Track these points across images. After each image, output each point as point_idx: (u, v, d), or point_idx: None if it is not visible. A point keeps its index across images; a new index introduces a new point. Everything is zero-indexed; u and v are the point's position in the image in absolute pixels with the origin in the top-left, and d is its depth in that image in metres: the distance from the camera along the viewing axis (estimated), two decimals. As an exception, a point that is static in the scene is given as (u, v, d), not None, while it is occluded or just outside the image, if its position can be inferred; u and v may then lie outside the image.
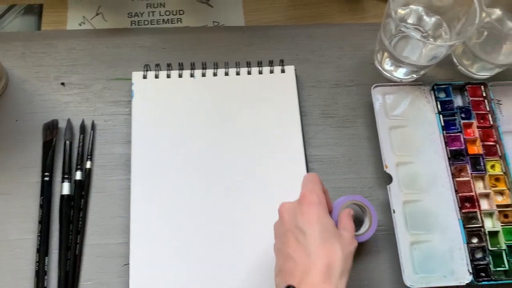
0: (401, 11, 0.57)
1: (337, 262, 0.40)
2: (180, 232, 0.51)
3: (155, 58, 0.60)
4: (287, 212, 0.44)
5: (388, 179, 0.54)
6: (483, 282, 0.50)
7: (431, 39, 0.57)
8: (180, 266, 0.49)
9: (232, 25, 0.63)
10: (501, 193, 0.55)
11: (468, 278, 0.50)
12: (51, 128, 0.55)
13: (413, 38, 0.52)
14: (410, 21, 0.58)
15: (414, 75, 0.59)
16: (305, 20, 0.64)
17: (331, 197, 0.48)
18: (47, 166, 0.53)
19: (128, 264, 0.49)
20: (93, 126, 0.56)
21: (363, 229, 0.50)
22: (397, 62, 0.56)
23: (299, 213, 0.43)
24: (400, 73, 0.59)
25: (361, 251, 0.53)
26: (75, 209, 0.52)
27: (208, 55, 0.60)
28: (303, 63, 0.61)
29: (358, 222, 0.51)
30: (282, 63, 0.59)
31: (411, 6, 0.57)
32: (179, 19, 0.64)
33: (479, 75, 0.61)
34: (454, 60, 0.62)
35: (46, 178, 0.53)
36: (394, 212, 0.52)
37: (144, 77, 0.57)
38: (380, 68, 0.60)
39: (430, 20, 0.58)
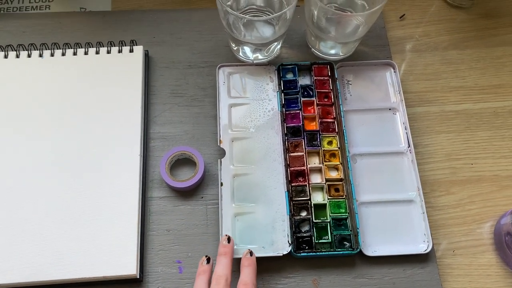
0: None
1: None
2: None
3: (14, 41, 0.61)
4: None
5: (223, 154, 0.55)
6: (302, 254, 0.50)
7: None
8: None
9: (97, 10, 0.65)
10: (336, 168, 0.55)
11: (287, 249, 0.50)
12: None
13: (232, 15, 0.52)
14: (258, 3, 0.60)
15: (259, 55, 0.60)
16: (172, 5, 0.66)
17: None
18: None
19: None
20: None
21: (191, 175, 0.53)
22: (235, 42, 0.58)
23: None
24: (243, 53, 0.60)
25: (190, 224, 0.53)
26: None
27: (66, 39, 0.62)
28: (159, 45, 0.63)
29: (189, 170, 0.55)
30: (133, 43, 0.60)
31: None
32: (48, 6, 0.66)
33: (330, 56, 0.62)
34: (308, 43, 0.63)
35: None
36: (222, 185, 0.53)
37: (-12, 58, 0.59)
38: (234, 50, 0.61)
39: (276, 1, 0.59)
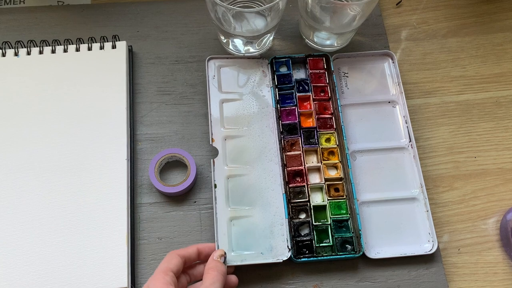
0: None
1: None
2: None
3: (-13, 38, 0.57)
4: None
5: (216, 154, 0.52)
6: (303, 259, 0.48)
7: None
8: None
9: (76, 4, 0.61)
10: (335, 166, 0.52)
11: (286, 255, 0.47)
12: None
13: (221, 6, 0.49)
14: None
15: (251, 48, 0.56)
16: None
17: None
18: None
19: None
20: None
21: (183, 179, 0.50)
22: (225, 35, 0.54)
23: None
24: (234, 46, 0.56)
25: (183, 230, 0.50)
26: None
27: (44, 35, 0.58)
28: (143, 40, 0.59)
29: (180, 173, 0.52)
30: (116, 39, 0.56)
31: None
32: (22, 0, 0.62)
33: (325, 47, 0.59)
34: (302, 34, 0.59)
35: None
36: (215, 187, 0.50)
37: (-38, 57, 0.54)
38: (223, 43, 0.58)
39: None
